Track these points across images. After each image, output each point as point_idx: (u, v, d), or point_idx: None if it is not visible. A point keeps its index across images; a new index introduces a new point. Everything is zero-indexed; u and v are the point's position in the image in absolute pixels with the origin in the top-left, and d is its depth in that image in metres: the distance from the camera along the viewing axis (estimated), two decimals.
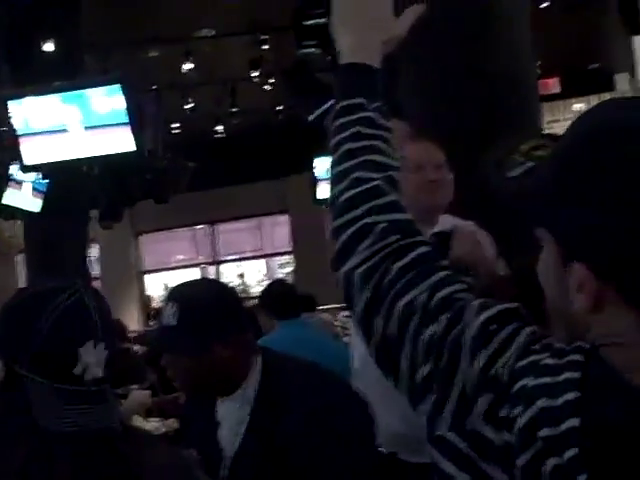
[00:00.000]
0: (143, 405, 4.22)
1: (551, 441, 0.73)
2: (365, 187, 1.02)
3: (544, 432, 0.73)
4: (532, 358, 0.79)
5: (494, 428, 0.78)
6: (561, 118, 8.63)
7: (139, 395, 4.31)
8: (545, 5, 8.06)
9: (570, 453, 0.71)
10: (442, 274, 0.92)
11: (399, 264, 0.93)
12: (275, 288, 3.97)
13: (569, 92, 9.22)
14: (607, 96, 8.66)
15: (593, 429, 0.72)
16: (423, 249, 0.96)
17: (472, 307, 0.86)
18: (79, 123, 6.38)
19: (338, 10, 1.16)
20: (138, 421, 4.14)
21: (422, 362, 0.86)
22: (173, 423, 4.18)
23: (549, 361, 0.78)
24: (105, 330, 1.28)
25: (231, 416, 1.78)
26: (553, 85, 10.35)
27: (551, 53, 8.47)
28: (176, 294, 1.81)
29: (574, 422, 0.72)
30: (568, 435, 0.72)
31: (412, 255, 0.94)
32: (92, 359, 1.24)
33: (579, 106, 8.61)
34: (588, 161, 0.76)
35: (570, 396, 0.74)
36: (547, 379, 0.76)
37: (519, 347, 0.81)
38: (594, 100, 8.59)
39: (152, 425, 4.19)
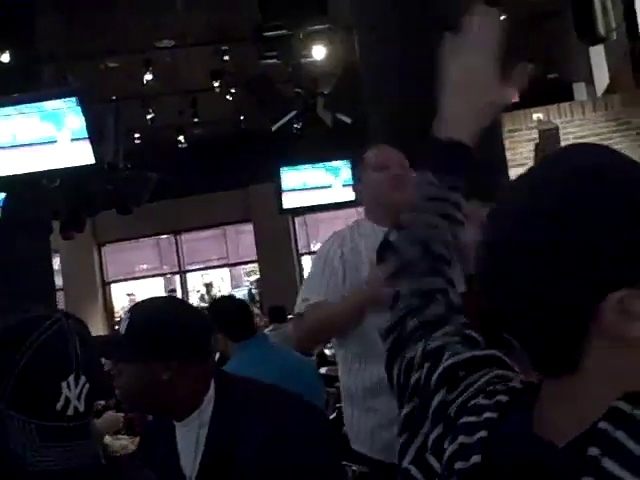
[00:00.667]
0: (114, 427, 4.15)
1: (461, 474, 0.80)
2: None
3: (457, 465, 0.81)
4: (478, 399, 0.85)
5: (436, 459, 0.86)
6: (523, 127, 8.71)
7: (111, 417, 4.24)
8: (504, 17, 8.13)
9: None
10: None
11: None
12: (222, 309, 3.61)
13: (529, 101, 9.31)
14: (566, 106, 8.77)
15: (489, 467, 0.78)
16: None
17: (447, 355, 0.93)
18: (37, 136, 6.31)
19: (452, 77, 1.15)
20: (107, 439, 4.09)
21: (406, 402, 0.97)
22: None
23: (482, 401, 0.84)
24: (86, 362, 1.23)
25: (188, 442, 1.77)
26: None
27: (510, 63, 8.54)
28: (135, 306, 1.85)
29: (477, 459, 0.79)
30: (472, 469, 0.79)
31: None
32: (73, 393, 1.19)
33: (538, 115, 8.70)
34: (593, 199, 0.75)
35: (482, 434, 0.80)
36: (473, 418, 0.83)
37: (475, 389, 0.87)
38: (553, 109, 8.69)
39: (120, 443, 4.10)
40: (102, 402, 4.83)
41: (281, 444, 1.64)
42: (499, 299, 0.82)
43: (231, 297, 3.70)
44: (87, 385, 1.22)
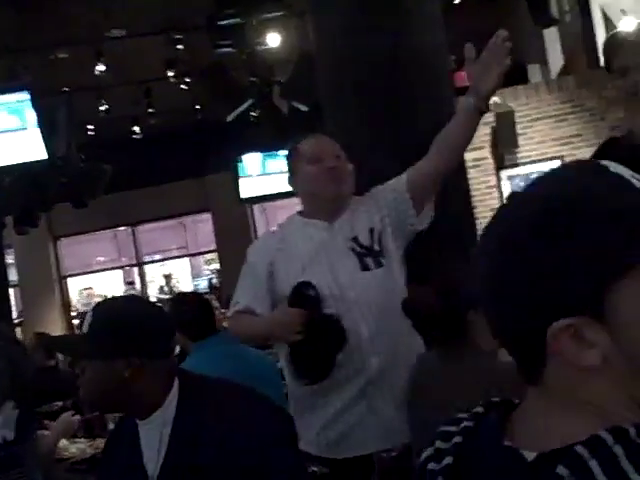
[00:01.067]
0: (69, 430, 4.06)
1: (433, 475, 0.85)
2: None
3: (430, 466, 0.86)
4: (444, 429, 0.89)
5: None
6: None
7: (66, 419, 4.15)
8: (458, 1, 8.15)
9: None
10: None
11: None
12: (182, 307, 3.45)
13: None
14: (521, 88, 8.83)
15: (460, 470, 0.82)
16: None
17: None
18: None
19: None
20: (63, 443, 4.00)
21: None
22: (100, 444, 3.98)
23: (449, 429, 0.89)
24: (17, 387, 1.19)
25: (151, 441, 1.76)
26: (467, 78, 10.49)
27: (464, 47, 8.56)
28: (98, 305, 1.87)
29: (449, 460, 0.84)
30: (444, 470, 0.83)
31: None
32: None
33: (494, 98, 8.74)
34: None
35: (457, 439, 0.85)
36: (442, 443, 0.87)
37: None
38: (509, 92, 8.73)
39: (78, 447, 4.01)
40: (59, 403, 4.74)
41: (244, 443, 1.64)
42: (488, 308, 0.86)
43: (192, 294, 3.60)
44: (16, 411, 1.17)
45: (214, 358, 3.09)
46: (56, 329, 12.43)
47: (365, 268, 2.49)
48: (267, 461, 1.64)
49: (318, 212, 2.57)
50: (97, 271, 15.78)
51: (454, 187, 3.98)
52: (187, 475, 1.67)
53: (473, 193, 4.87)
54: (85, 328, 1.76)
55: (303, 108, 8.46)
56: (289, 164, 2.68)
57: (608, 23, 9.20)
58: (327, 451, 2.45)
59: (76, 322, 13.40)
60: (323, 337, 2.35)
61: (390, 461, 2.22)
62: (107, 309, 1.84)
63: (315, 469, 2.09)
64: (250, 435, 1.65)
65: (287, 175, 2.69)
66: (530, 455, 0.78)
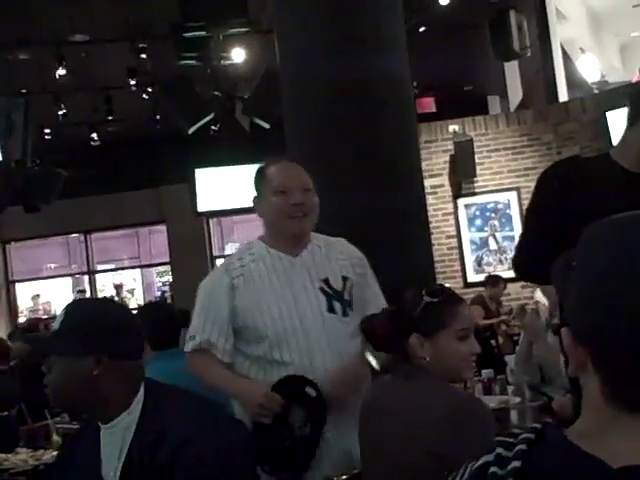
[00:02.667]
0: None
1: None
2: None
3: (492, 469, 0.87)
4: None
5: None
6: (439, 138, 8.84)
7: None
8: (423, 29, 8.24)
9: None
10: None
11: None
12: (147, 314, 3.54)
13: (445, 113, 9.47)
14: (481, 119, 8.95)
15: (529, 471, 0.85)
16: None
17: None
18: None
19: None
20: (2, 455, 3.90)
21: None
22: (42, 455, 3.88)
23: (504, 453, 0.89)
24: None
25: (112, 446, 1.76)
26: (429, 104, 10.63)
27: (427, 75, 8.67)
28: (71, 303, 1.89)
29: (516, 464, 0.85)
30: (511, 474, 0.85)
31: None
32: None
33: (454, 127, 8.84)
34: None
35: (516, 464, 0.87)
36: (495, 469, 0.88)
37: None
38: (469, 122, 8.85)
39: (19, 458, 3.91)
40: (4, 413, 4.63)
41: (202, 452, 1.64)
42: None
43: (163, 303, 3.55)
44: None
45: (172, 370, 3.05)
46: (1, 335, 12.16)
47: (331, 310, 2.45)
48: (222, 472, 1.65)
49: (280, 243, 2.52)
50: (46, 277, 15.50)
51: (414, 212, 4.02)
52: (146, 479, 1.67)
53: (429, 220, 4.89)
54: (56, 325, 1.77)
55: (265, 125, 8.45)
56: (256, 185, 2.59)
57: (567, 60, 9.40)
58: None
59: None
60: (293, 440, 2.31)
61: None
62: (79, 307, 1.88)
63: None
64: (209, 445, 1.65)
65: (253, 195, 2.61)
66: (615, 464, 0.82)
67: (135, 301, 15.73)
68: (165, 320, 3.38)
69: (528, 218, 2.49)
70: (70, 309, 1.82)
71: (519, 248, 2.48)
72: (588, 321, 0.87)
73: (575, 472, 0.84)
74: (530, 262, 2.39)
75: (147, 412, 1.75)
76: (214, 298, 2.47)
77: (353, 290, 2.51)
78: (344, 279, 2.51)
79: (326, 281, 2.49)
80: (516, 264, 2.48)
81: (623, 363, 0.85)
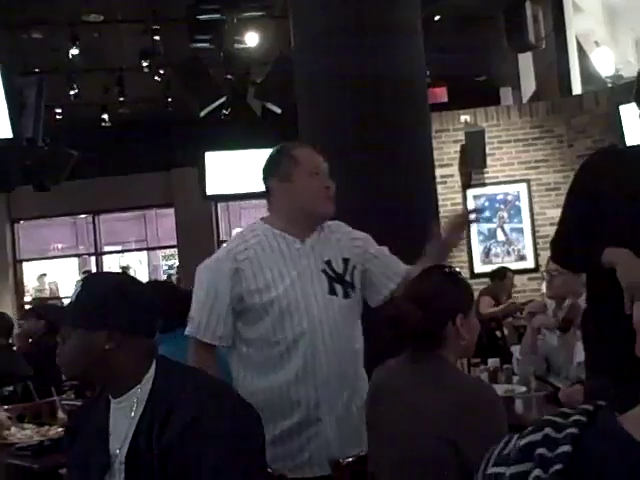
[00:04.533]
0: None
1: (544, 461, 0.83)
2: None
3: (539, 451, 0.83)
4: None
5: None
6: (450, 128, 8.82)
7: None
8: (438, 18, 8.21)
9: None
10: None
11: None
12: (160, 294, 3.30)
13: (456, 103, 9.44)
14: (493, 109, 8.92)
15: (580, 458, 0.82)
16: None
17: None
18: None
19: None
20: (10, 429, 3.93)
21: None
22: (48, 431, 3.91)
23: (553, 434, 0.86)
24: None
25: (121, 421, 1.77)
26: (441, 94, 10.58)
27: (440, 64, 8.64)
28: (85, 277, 1.92)
29: (567, 448, 0.82)
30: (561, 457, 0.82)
31: None
32: None
33: (465, 117, 8.81)
34: None
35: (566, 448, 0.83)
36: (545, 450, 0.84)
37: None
38: (480, 112, 8.82)
39: (24, 433, 3.94)
40: (9, 388, 4.65)
41: (210, 431, 1.65)
42: None
43: (168, 283, 3.45)
44: None
45: (180, 351, 3.05)
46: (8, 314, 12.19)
47: (332, 292, 2.48)
48: (230, 452, 1.65)
49: (293, 226, 2.52)
50: (53, 257, 15.56)
51: (425, 201, 4.02)
52: (152, 456, 1.68)
53: (438, 209, 4.89)
54: (73, 297, 1.78)
55: (276, 110, 8.44)
56: (278, 167, 2.55)
57: (581, 53, 9.35)
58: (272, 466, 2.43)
59: (28, 307, 13.19)
60: None
61: (346, 465, 2.21)
62: (96, 281, 1.91)
63: (270, 471, 2.08)
64: (217, 425, 1.66)
65: (266, 175, 2.58)
66: None
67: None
68: (172, 300, 3.30)
69: (565, 208, 2.50)
70: (87, 282, 1.84)
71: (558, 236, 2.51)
72: None
73: (629, 462, 0.81)
74: (564, 252, 2.46)
75: (157, 389, 1.76)
76: (216, 283, 2.47)
77: (355, 272, 2.55)
78: (345, 261, 2.54)
79: (328, 263, 2.52)
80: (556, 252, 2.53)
81: None
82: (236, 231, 14.85)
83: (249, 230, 2.58)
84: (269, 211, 2.61)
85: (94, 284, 1.84)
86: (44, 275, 15.09)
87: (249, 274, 2.44)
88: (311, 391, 2.41)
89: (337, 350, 2.44)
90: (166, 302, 3.18)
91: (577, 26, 9.02)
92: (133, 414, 1.76)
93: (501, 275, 7.90)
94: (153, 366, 1.80)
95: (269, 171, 2.57)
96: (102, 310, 1.74)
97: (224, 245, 2.66)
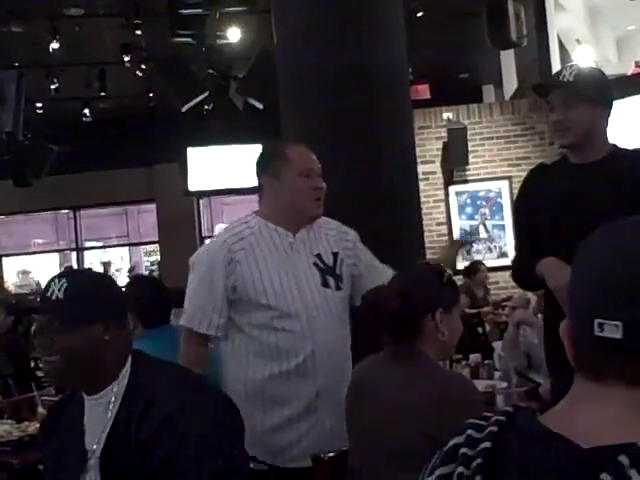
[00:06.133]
0: None
1: (466, 460, 0.87)
2: None
3: (462, 450, 0.88)
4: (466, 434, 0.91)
5: None
6: (432, 125, 8.83)
7: None
8: (420, 14, 8.22)
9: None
10: None
11: None
12: (137, 289, 3.35)
13: (439, 100, 9.46)
14: (475, 107, 8.95)
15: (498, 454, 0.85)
16: None
17: None
18: None
19: None
20: None
21: None
22: (27, 427, 3.88)
23: (474, 435, 0.90)
24: None
25: (97, 417, 1.75)
26: (423, 91, 10.61)
27: (423, 61, 8.65)
28: (63, 273, 1.83)
29: (487, 444, 0.86)
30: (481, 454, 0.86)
31: None
32: None
33: (448, 114, 8.83)
34: None
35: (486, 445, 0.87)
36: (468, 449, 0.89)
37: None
38: (463, 109, 8.85)
39: (4, 429, 3.91)
40: None
41: (188, 427, 1.64)
42: None
43: (152, 278, 3.47)
44: None
45: (164, 347, 3.05)
46: None
47: (325, 284, 2.52)
48: (207, 448, 1.64)
49: (285, 222, 2.54)
50: (34, 253, 15.45)
51: (407, 198, 4.02)
52: (130, 451, 1.67)
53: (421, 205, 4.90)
54: (60, 294, 1.70)
55: (259, 105, 8.41)
56: (269, 164, 2.57)
57: (563, 51, 9.40)
58: (271, 458, 2.42)
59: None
60: None
61: (327, 461, 2.21)
62: (79, 275, 1.92)
63: (252, 465, 2.07)
64: (194, 420, 1.65)
65: (258, 171, 2.60)
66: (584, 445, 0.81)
67: (122, 280, 15.71)
68: (156, 295, 3.26)
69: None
70: (71, 277, 1.78)
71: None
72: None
73: (544, 453, 0.83)
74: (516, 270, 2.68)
75: (134, 384, 1.75)
76: (210, 271, 2.48)
77: (343, 266, 2.58)
78: (334, 254, 2.58)
79: (319, 256, 2.55)
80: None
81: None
82: (219, 227, 14.81)
83: (242, 222, 2.59)
84: (260, 205, 2.63)
85: (79, 279, 1.81)
86: (25, 272, 14.98)
87: (244, 265, 2.46)
88: (310, 380, 2.42)
89: (333, 340, 2.47)
90: (151, 297, 3.23)
91: (558, 24, 9.05)
92: (110, 410, 1.74)
93: (473, 270, 7.91)
94: (129, 360, 1.79)
95: (261, 167, 2.60)
96: (97, 302, 1.74)
97: (216, 236, 2.64)
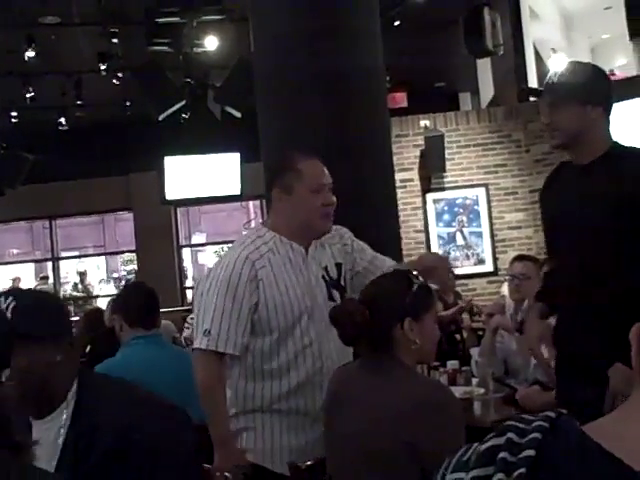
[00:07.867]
0: None
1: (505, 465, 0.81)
2: None
3: (501, 455, 0.81)
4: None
5: None
6: (410, 133, 8.86)
7: None
8: (398, 23, 8.25)
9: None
10: None
11: None
12: (129, 294, 3.55)
13: (416, 108, 9.50)
14: (452, 115, 8.99)
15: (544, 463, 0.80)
16: None
17: None
18: None
19: None
20: None
21: None
22: None
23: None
24: None
25: (46, 441, 1.67)
26: (401, 99, 10.65)
27: (400, 69, 8.69)
28: (9, 292, 1.74)
29: (530, 452, 0.80)
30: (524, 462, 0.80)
31: None
32: None
33: (425, 122, 8.86)
34: None
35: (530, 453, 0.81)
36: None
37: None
38: (440, 117, 8.89)
39: None
40: None
41: (134, 448, 1.61)
42: None
43: (145, 286, 3.56)
44: None
45: (155, 351, 3.15)
46: None
47: (331, 298, 2.53)
48: (159, 466, 1.62)
49: (299, 238, 2.55)
50: (9, 263, 15.30)
51: (385, 205, 4.03)
52: (80, 475, 1.63)
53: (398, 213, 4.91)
54: (8, 313, 1.62)
55: (236, 114, 8.40)
56: (282, 178, 2.54)
57: (538, 59, 9.49)
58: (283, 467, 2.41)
59: None
60: None
61: (305, 469, 2.20)
62: (26, 293, 1.77)
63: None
64: (144, 440, 1.63)
65: (270, 183, 2.59)
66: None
67: (99, 289, 15.59)
68: (148, 301, 3.37)
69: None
70: (18, 295, 1.70)
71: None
72: None
73: (591, 474, 0.79)
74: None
75: (81, 406, 1.70)
76: (235, 288, 2.41)
77: (347, 276, 2.63)
78: (338, 266, 2.60)
79: (325, 269, 2.58)
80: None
81: None
82: (196, 236, 14.74)
83: (257, 236, 2.55)
84: (270, 216, 2.62)
85: (25, 296, 1.72)
86: None
87: (266, 284, 2.44)
88: (317, 395, 2.42)
89: (341, 355, 2.46)
90: (145, 303, 3.35)
91: (534, 32, 9.14)
92: (58, 434, 1.69)
93: None
94: (76, 381, 1.73)
95: (273, 180, 2.59)
96: (46, 318, 1.66)
97: (233, 250, 2.53)
